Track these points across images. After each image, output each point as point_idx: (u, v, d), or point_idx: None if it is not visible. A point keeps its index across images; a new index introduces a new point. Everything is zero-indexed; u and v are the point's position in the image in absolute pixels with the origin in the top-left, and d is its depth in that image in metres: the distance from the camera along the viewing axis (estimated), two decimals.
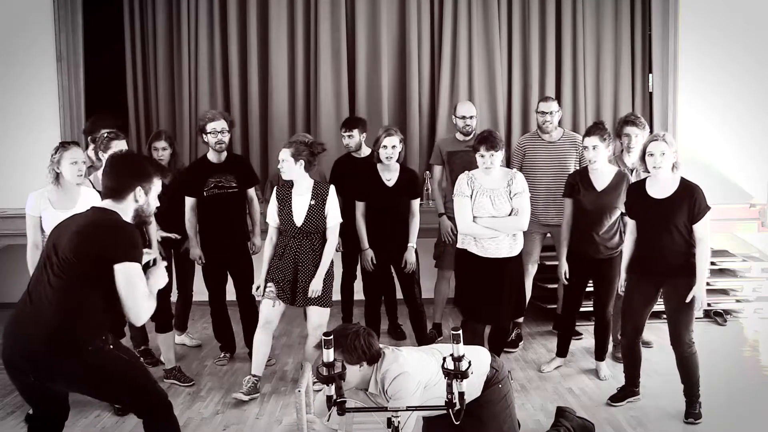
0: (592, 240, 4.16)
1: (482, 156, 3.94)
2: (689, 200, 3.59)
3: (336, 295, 5.18)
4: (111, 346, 2.71)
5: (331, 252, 4.08)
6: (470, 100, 5.85)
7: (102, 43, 5.95)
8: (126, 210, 2.67)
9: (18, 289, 6.52)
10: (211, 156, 4.52)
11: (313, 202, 4.04)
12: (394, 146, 4.39)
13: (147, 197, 2.71)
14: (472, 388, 2.91)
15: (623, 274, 3.90)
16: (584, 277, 4.33)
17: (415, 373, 2.79)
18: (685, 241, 3.61)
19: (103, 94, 5.97)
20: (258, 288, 4.16)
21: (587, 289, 4.43)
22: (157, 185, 2.76)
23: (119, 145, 4.05)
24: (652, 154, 3.63)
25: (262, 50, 5.94)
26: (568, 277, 4.32)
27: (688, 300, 3.58)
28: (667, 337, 3.73)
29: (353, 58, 5.94)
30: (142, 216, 2.74)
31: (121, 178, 2.68)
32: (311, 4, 5.90)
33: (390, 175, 4.49)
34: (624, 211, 4.08)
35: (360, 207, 4.53)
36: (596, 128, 4.14)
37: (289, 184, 4.11)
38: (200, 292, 4.71)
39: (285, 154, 4.04)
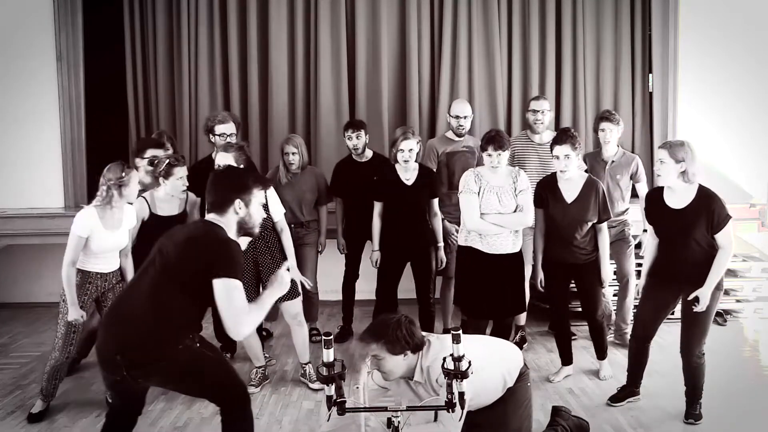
0: (567, 248, 4.12)
1: (490, 155, 3.98)
2: (707, 211, 3.48)
3: (337, 296, 5.22)
4: (198, 344, 2.79)
5: (290, 244, 4.10)
6: (470, 100, 5.85)
7: (102, 43, 5.95)
8: (229, 223, 2.75)
9: (18, 289, 6.54)
10: (216, 156, 4.53)
11: None
12: (411, 149, 4.40)
13: (248, 209, 2.77)
14: (509, 376, 3.01)
15: (643, 279, 3.86)
16: (565, 280, 4.26)
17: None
18: (704, 251, 3.52)
19: (103, 94, 5.97)
20: None
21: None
22: (258, 196, 2.82)
23: (180, 172, 4.01)
24: (658, 161, 3.60)
25: (262, 50, 5.94)
26: (544, 285, 4.28)
27: (690, 297, 3.53)
28: (668, 337, 3.74)
29: (353, 58, 5.94)
30: (246, 228, 2.81)
31: (220, 191, 2.77)
32: (311, 4, 5.90)
33: (409, 175, 4.51)
34: (597, 219, 4.08)
35: (378, 207, 4.56)
36: (567, 136, 4.01)
37: None
38: None
39: (227, 159, 3.98)
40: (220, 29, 5.93)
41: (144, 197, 4.06)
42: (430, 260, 4.60)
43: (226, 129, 4.48)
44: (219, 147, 4.49)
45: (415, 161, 4.49)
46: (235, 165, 3.91)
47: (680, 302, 3.72)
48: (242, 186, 2.78)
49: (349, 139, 4.87)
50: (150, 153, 4.32)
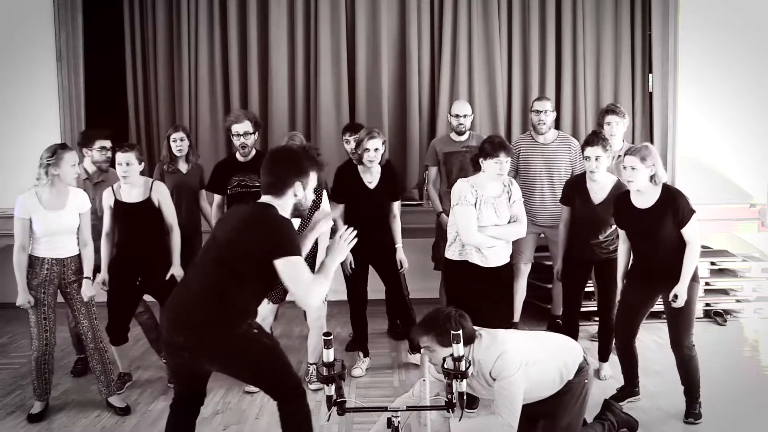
0: (589, 246, 4.15)
1: (501, 162, 3.80)
2: (672, 207, 3.57)
3: (337, 296, 5.20)
4: (256, 331, 2.81)
5: (323, 255, 4.04)
6: (470, 100, 5.86)
7: (102, 43, 5.95)
8: (285, 205, 2.76)
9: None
10: (239, 154, 4.56)
11: None
12: (377, 149, 4.29)
13: (305, 192, 2.80)
14: (566, 369, 3.06)
15: (620, 283, 3.91)
16: (583, 279, 4.32)
17: (515, 350, 2.92)
18: (675, 247, 3.59)
19: (103, 94, 5.98)
20: None
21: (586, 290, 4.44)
22: (313, 179, 2.84)
23: (119, 158, 4.02)
24: (625, 168, 3.65)
25: (262, 50, 5.94)
26: (561, 280, 4.33)
27: (669, 298, 3.59)
28: (667, 337, 3.74)
29: (353, 58, 5.94)
30: (300, 210, 2.84)
31: (282, 173, 2.77)
32: (311, 4, 5.90)
33: (371, 177, 4.41)
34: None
35: (338, 209, 4.39)
36: (598, 138, 4.05)
37: None
38: None
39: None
40: (220, 29, 5.93)
41: (111, 186, 4.12)
42: (394, 261, 4.53)
43: (240, 128, 4.50)
44: (235, 147, 4.54)
45: (379, 162, 4.39)
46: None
47: (661, 299, 3.77)
48: (303, 168, 2.79)
49: (346, 142, 4.83)
50: (98, 144, 4.44)
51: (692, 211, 3.59)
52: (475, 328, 2.98)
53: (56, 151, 3.70)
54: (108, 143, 4.50)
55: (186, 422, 2.93)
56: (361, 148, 4.31)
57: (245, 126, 4.50)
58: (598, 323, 4.42)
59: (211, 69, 5.95)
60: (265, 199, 2.76)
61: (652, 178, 3.61)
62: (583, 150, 4.12)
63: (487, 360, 2.90)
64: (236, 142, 4.52)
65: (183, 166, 4.70)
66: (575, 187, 4.20)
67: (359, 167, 4.41)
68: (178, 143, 4.65)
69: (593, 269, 4.29)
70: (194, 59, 5.92)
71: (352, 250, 4.42)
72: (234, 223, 2.74)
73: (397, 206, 4.56)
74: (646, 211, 3.64)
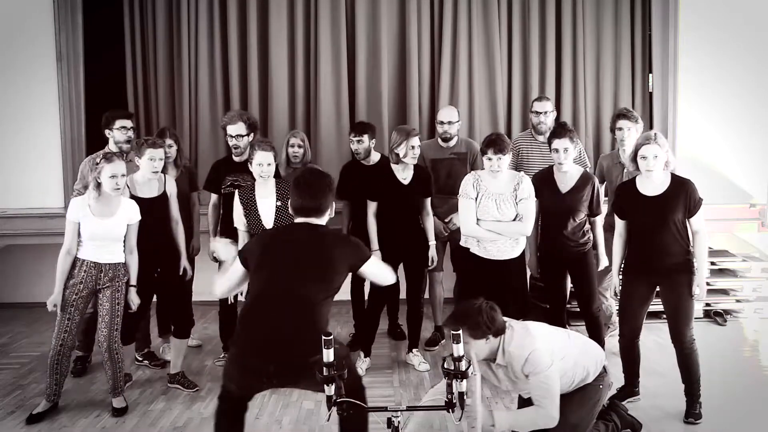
0: (559, 239, 4.13)
1: (490, 159, 3.93)
2: (684, 195, 3.61)
3: (337, 295, 5.19)
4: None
5: None
6: (470, 100, 5.87)
7: (102, 43, 5.95)
8: (324, 223, 2.95)
9: (18, 289, 6.48)
10: (235, 155, 4.57)
11: (279, 203, 4.04)
12: (419, 146, 4.41)
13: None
14: (587, 372, 3.13)
15: (615, 278, 3.91)
16: (560, 273, 4.29)
17: (545, 345, 2.97)
18: (682, 237, 3.64)
19: (103, 94, 5.96)
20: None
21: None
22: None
23: (150, 153, 4.04)
24: (645, 157, 3.63)
25: (262, 50, 5.94)
26: (541, 279, 4.34)
27: (695, 293, 3.61)
28: (667, 337, 3.74)
29: (353, 58, 5.94)
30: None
31: (326, 198, 2.92)
32: (311, 4, 5.90)
33: (405, 174, 4.47)
34: (588, 213, 4.10)
35: (372, 207, 4.47)
36: (565, 130, 4.06)
37: (250, 188, 4.10)
38: (199, 292, 4.69)
39: (269, 158, 4.02)
40: (220, 29, 5.93)
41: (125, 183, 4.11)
42: (423, 260, 4.57)
43: (233, 130, 4.50)
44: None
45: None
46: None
47: (658, 294, 3.78)
48: (333, 189, 3.02)
49: (351, 143, 4.82)
50: (119, 124, 4.45)
51: (701, 200, 3.64)
52: (505, 319, 3.01)
53: (101, 160, 3.76)
54: (128, 123, 4.50)
55: (239, 418, 2.98)
56: (405, 147, 4.36)
57: (238, 128, 4.50)
58: (585, 324, 4.37)
59: (211, 69, 5.95)
60: (310, 220, 2.89)
61: (665, 165, 3.65)
62: (549, 142, 4.11)
63: (518, 355, 2.94)
64: (229, 142, 4.53)
65: (172, 172, 4.58)
66: (543, 178, 4.20)
67: (393, 165, 4.46)
68: (165, 149, 4.51)
69: (569, 268, 4.25)
70: (194, 59, 5.92)
71: (385, 248, 4.49)
72: (304, 246, 2.82)
73: (429, 203, 4.59)
74: (655, 198, 3.65)
